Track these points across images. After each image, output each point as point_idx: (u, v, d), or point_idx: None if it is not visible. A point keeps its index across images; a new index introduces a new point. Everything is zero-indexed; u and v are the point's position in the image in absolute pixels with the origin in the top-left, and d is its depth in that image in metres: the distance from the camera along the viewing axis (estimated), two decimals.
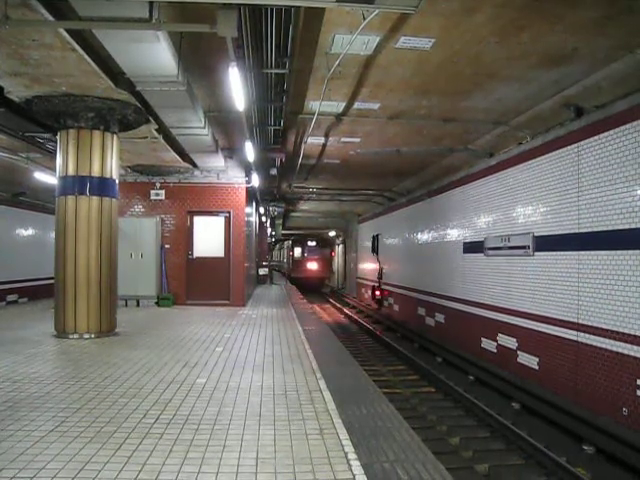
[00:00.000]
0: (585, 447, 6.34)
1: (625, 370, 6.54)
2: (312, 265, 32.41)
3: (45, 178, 11.00)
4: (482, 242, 10.90)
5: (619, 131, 6.73)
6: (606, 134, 6.97)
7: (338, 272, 34.64)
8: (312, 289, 30.40)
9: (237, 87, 5.93)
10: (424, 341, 13.50)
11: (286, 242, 38.98)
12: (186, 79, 6.19)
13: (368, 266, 23.68)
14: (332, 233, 36.02)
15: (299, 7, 5.00)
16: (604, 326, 6.96)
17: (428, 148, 11.13)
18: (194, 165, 11.41)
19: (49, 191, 10.34)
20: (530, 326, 8.86)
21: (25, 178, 12.13)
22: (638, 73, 6.27)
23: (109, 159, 7.45)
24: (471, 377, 9.98)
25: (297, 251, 32.97)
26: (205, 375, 5.31)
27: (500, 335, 9.96)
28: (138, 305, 11.67)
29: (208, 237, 12.37)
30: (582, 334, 7.43)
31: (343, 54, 6.01)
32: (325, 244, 33.85)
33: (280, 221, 29.49)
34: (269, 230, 27.99)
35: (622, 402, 6.55)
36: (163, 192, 12.11)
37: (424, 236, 15.18)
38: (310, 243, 32.94)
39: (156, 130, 8.24)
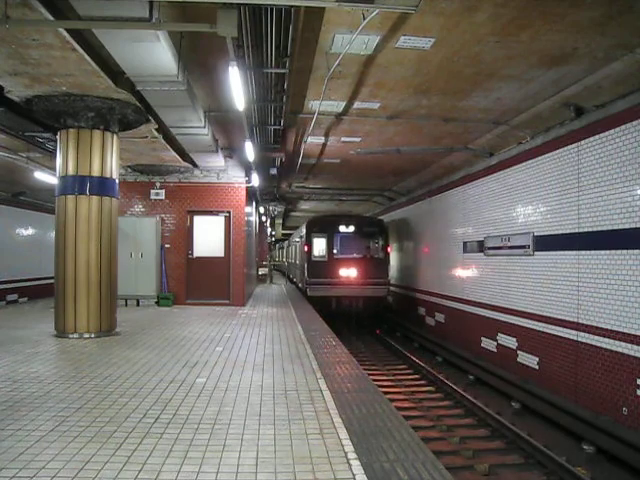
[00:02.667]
0: (585, 447, 6.34)
1: (625, 370, 6.54)
2: (350, 271, 15.83)
3: (45, 178, 10.99)
4: (482, 242, 10.90)
5: (619, 130, 6.73)
6: (606, 133, 6.97)
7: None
8: (355, 321, 16.01)
9: (237, 87, 5.93)
10: (424, 340, 13.50)
11: (298, 231, 21.54)
12: (186, 79, 6.19)
13: None
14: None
15: (299, 7, 5.00)
16: (604, 326, 6.96)
17: (428, 148, 11.13)
18: (194, 165, 11.41)
19: (49, 191, 10.35)
20: (530, 326, 8.86)
21: (25, 178, 12.13)
22: (638, 73, 6.27)
23: (109, 159, 7.44)
24: (471, 376, 9.98)
25: (318, 245, 16.48)
26: (205, 375, 5.31)
27: (500, 335, 9.96)
28: (138, 305, 11.67)
29: (208, 237, 12.37)
30: (582, 334, 7.43)
31: (343, 54, 6.02)
32: (374, 231, 16.55)
33: (280, 221, 29.52)
34: (269, 230, 28.01)
35: (622, 402, 6.55)
36: (163, 192, 12.12)
37: (424, 235, 15.18)
38: (344, 228, 16.37)
39: (156, 129, 8.24)
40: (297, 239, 20.89)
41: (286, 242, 33.52)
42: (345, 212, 22.18)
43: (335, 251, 16.26)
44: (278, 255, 44.79)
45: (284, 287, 20.46)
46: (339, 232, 16.38)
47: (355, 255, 16.13)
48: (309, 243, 16.34)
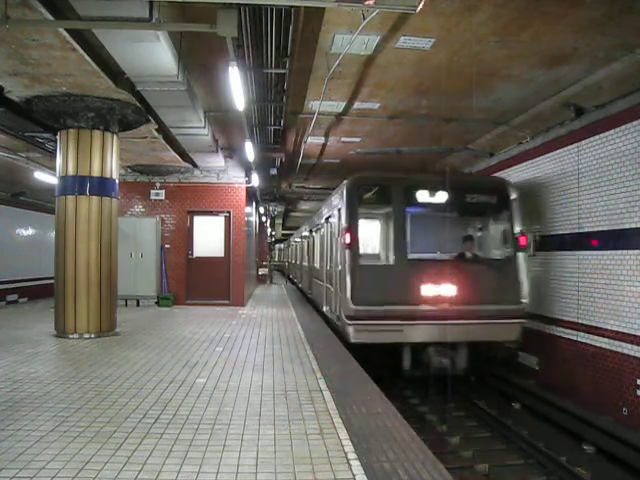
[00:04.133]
0: (585, 447, 6.34)
1: (625, 370, 6.54)
2: (442, 289, 7.18)
3: (45, 178, 10.99)
4: None
5: (619, 131, 6.73)
6: (606, 134, 6.97)
7: None
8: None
9: (237, 87, 5.93)
10: None
11: (324, 208, 11.12)
12: (186, 79, 6.19)
13: None
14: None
15: (299, 7, 5.00)
16: (604, 325, 6.95)
17: (428, 148, 11.11)
18: (194, 165, 11.41)
19: (49, 191, 10.35)
20: (529, 325, 8.83)
21: (25, 178, 12.13)
22: (638, 73, 6.27)
23: (109, 159, 7.44)
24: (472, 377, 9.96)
25: (373, 233, 8.69)
26: (205, 375, 5.31)
27: None
28: (138, 305, 11.66)
29: (208, 237, 12.38)
30: (582, 334, 7.42)
31: (343, 54, 6.01)
32: (492, 204, 7.89)
33: (280, 221, 29.50)
34: (269, 230, 28.00)
35: (622, 402, 6.55)
36: (163, 192, 12.12)
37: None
38: (428, 197, 7.63)
39: (156, 130, 8.24)
40: (317, 226, 12.36)
41: (291, 237, 26.15)
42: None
43: (409, 245, 7.81)
44: (281, 256, 41.91)
45: (284, 287, 20.47)
46: (418, 205, 7.93)
47: (450, 254, 8.14)
48: (353, 228, 7.67)
